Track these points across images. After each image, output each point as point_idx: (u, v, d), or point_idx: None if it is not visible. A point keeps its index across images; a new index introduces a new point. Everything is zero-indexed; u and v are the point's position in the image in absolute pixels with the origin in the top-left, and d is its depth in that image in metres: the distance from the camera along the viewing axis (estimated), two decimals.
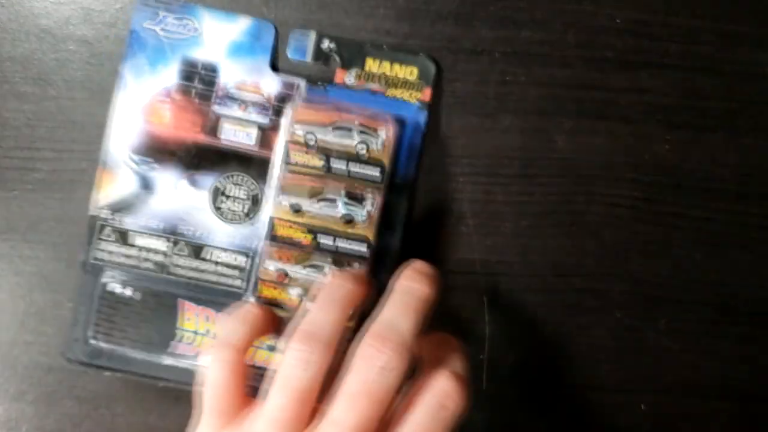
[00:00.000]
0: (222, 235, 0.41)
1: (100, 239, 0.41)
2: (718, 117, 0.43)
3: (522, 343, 0.46)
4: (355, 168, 0.39)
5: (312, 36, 0.40)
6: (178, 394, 0.46)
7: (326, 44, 0.40)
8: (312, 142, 0.38)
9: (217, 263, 0.41)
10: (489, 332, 0.45)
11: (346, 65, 0.41)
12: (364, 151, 0.39)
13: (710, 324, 0.45)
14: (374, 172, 0.39)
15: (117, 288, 0.40)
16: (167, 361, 0.40)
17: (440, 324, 0.44)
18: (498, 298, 0.45)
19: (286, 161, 0.39)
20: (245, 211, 0.40)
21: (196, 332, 0.40)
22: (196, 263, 0.41)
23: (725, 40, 0.42)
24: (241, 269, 0.41)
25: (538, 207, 0.44)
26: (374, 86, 0.41)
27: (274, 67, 0.41)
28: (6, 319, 0.45)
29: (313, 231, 0.39)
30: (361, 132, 0.39)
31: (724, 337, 0.46)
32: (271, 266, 0.39)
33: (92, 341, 0.41)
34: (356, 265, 0.39)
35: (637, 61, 0.42)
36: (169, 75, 0.40)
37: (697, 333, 0.45)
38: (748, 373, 0.46)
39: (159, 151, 0.40)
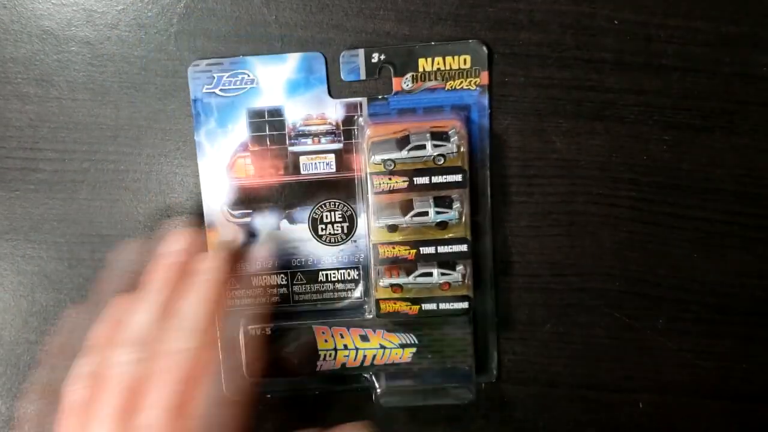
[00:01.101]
0: (330, 257, 0.44)
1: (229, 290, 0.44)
2: (715, 117, 0.43)
3: (520, 342, 0.46)
4: (438, 179, 0.41)
5: (361, 54, 0.41)
6: None
7: (376, 58, 0.41)
8: (391, 167, 0.41)
9: (333, 282, 0.44)
10: None
11: (400, 72, 0.41)
12: (441, 162, 0.41)
13: (708, 323, 0.46)
14: (456, 178, 0.41)
15: (257, 330, 0.43)
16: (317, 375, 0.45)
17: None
18: (496, 297, 0.45)
19: (374, 190, 0.41)
20: (344, 231, 0.43)
21: (335, 349, 0.44)
22: (315, 287, 0.44)
23: (723, 41, 0.42)
24: (355, 281, 0.44)
25: (537, 207, 0.44)
26: (432, 84, 0.42)
27: (332, 93, 0.42)
28: (8, 318, 0.45)
29: (414, 245, 0.41)
30: (435, 145, 0.40)
31: (721, 336, 0.46)
32: (385, 283, 0.42)
33: (250, 377, 0.44)
34: (459, 266, 0.42)
35: (635, 62, 0.42)
36: (241, 129, 0.42)
37: (695, 332, 0.46)
38: (746, 372, 0.46)
39: (252, 200, 0.43)
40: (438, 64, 0.41)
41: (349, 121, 0.42)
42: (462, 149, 0.40)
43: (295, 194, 0.43)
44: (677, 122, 0.43)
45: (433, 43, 0.41)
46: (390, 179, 0.41)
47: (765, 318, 0.45)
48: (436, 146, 0.40)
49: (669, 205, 0.44)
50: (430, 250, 0.41)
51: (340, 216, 0.43)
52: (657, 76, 0.42)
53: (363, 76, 0.42)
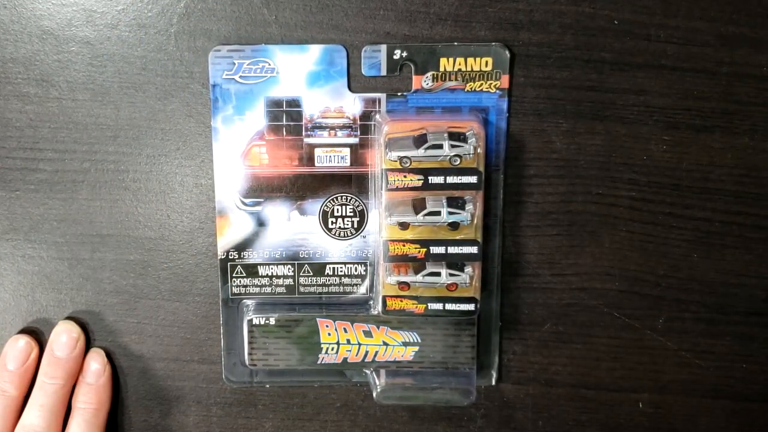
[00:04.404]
0: (338, 251, 0.44)
1: (234, 277, 0.44)
2: (715, 117, 0.43)
3: (520, 342, 0.46)
4: (453, 180, 0.41)
5: (383, 50, 0.41)
6: (178, 394, 0.46)
7: (398, 55, 0.41)
8: (407, 164, 0.40)
9: (339, 276, 0.44)
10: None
11: (421, 71, 0.41)
12: (457, 162, 0.40)
13: (708, 323, 0.46)
14: (471, 179, 0.41)
15: (260, 320, 0.43)
16: (318, 368, 0.45)
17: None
18: (502, 301, 0.45)
19: (387, 187, 0.41)
20: (354, 226, 0.43)
21: (338, 343, 0.44)
22: (321, 280, 0.44)
23: (722, 41, 0.42)
24: (362, 277, 0.44)
25: (537, 207, 0.44)
26: (452, 84, 0.42)
27: (352, 87, 0.42)
28: (9, 318, 0.45)
29: (424, 244, 0.41)
30: (452, 145, 0.40)
31: (721, 336, 0.46)
32: (392, 280, 0.42)
33: (251, 366, 0.44)
34: (468, 268, 0.42)
35: (635, 62, 0.42)
36: (258, 117, 0.42)
37: (694, 332, 0.46)
38: (746, 372, 0.46)
39: (265, 190, 0.43)
40: (459, 64, 0.41)
41: (366, 116, 0.42)
42: (479, 151, 0.40)
43: (307, 186, 0.43)
44: (677, 122, 0.43)
45: (455, 43, 0.41)
46: (405, 177, 0.40)
47: (765, 318, 0.45)
48: (453, 146, 0.40)
49: (668, 205, 0.44)
50: (440, 250, 0.41)
51: (351, 210, 0.43)
52: (657, 76, 0.42)
53: (384, 72, 0.42)
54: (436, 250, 0.41)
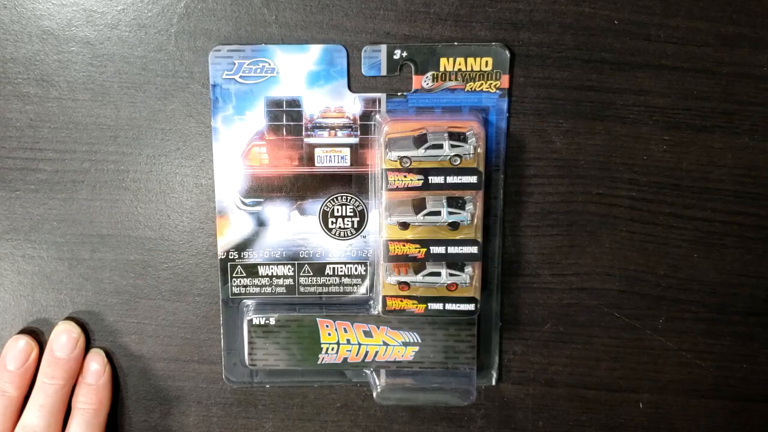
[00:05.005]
0: (338, 251, 0.44)
1: (234, 277, 0.44)
2: (715, 117, 0.43)
3: (520, 342, 0.46)
4: (453, 180, 0.41)
5: (383, 50, 0.41)
6: (178, 394, 0.46)
7: (398, 55, 0.41)
8: (407, 164, 0.40)
9: (339, 276, 0.44)
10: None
11: (421, 71, 0.41)
12: (458, 162, 0.40)
13: (708, 323, 0.46)
14: (471, 179, 0.40)
15: (260, 320, 0.44)
16: (318, 368, 0.45)
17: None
18: (502, 301, 0.45)
19: (387, 187, 0.40)
20: (354, 226, 0.43)
21: (338, 343, 0.44)
22: (321, 280, 0.44)
23: (722, 41, 0.42)
24: (362, 277, 0.44)
25: (537, 207, 0.44)
26: (452, 84, 0.42)
27: (352, 87, 0.42)
28: (9, 318, 0.45)
29: (424, 244, 0.41)
30: (452, 145, 0.40)
31: (721, 336, 0.46)
32: (392, 280, 0.42)
33: (251, 366, 0.44)
34: (468, 267, 0.42)
35: (635, 62, 0.42)
36: (258, 117, 0.42)
37: (694, 332, 0.46)
38: (745, 371, 0.46)
39: (265, 190, 0.43)
40: (459, 64, 0.41)
41: (366, 116, 0.42)
42: (479, 151, 0.40)
43: (307, 186, 0.43)
44: (677, 122, 0.43)
45: (455, 43, 0.41)
46: (405, 176, 0.40)
47: (765, 318, 0.45)
48: (453, 146, 0.40)
49: (668, 205, 0.44)
50: (440, 250, 0.41)
51: (351, 210, 0.43)
52: (657, 76, 0.42)
53: (384, 72, 0.42)
54: (436, 250, 0.41)
